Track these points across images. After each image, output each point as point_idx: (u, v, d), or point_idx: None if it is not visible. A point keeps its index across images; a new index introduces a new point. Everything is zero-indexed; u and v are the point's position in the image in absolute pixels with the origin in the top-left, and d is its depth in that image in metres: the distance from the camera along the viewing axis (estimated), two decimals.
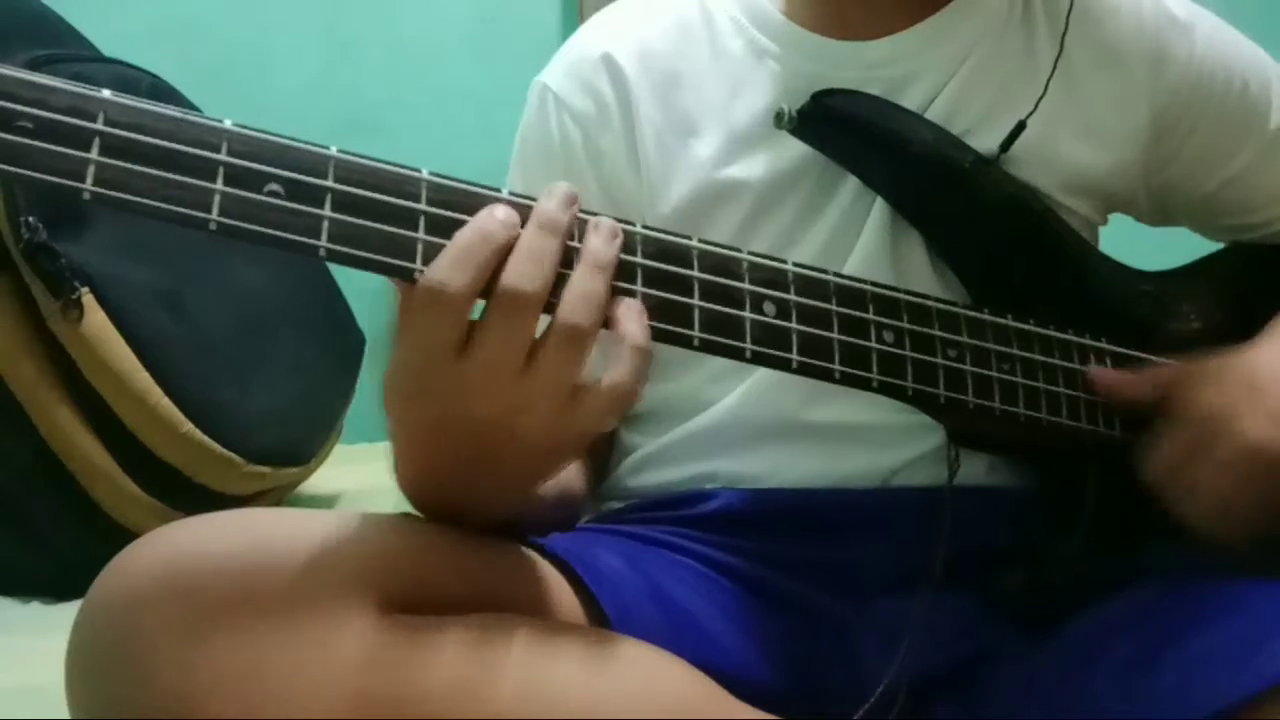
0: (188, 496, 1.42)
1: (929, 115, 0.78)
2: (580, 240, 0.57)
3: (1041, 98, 0.78)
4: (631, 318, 0.57)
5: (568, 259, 0.57)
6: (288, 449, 1.57)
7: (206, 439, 1.42)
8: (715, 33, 0.82)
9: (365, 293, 1.85)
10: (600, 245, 0.57)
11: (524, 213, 0.56)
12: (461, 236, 0.54)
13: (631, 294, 0.59)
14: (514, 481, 0.62)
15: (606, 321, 0.57)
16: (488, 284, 0.54)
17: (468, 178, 0.57)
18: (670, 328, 0.60)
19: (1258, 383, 0.71)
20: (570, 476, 0.78)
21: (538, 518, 0.70)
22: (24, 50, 1.44)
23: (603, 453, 0.85)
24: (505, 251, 0.54)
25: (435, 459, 0.60)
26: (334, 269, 1.89)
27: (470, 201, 0.56)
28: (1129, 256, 0.84)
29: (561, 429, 0.57)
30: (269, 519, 0.59)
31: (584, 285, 0.56)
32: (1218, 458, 0.69)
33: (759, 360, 0.63)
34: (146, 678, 0.52)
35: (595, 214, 0.59)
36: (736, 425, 0.78)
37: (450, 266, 0.53)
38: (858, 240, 0.77)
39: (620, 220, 0.60)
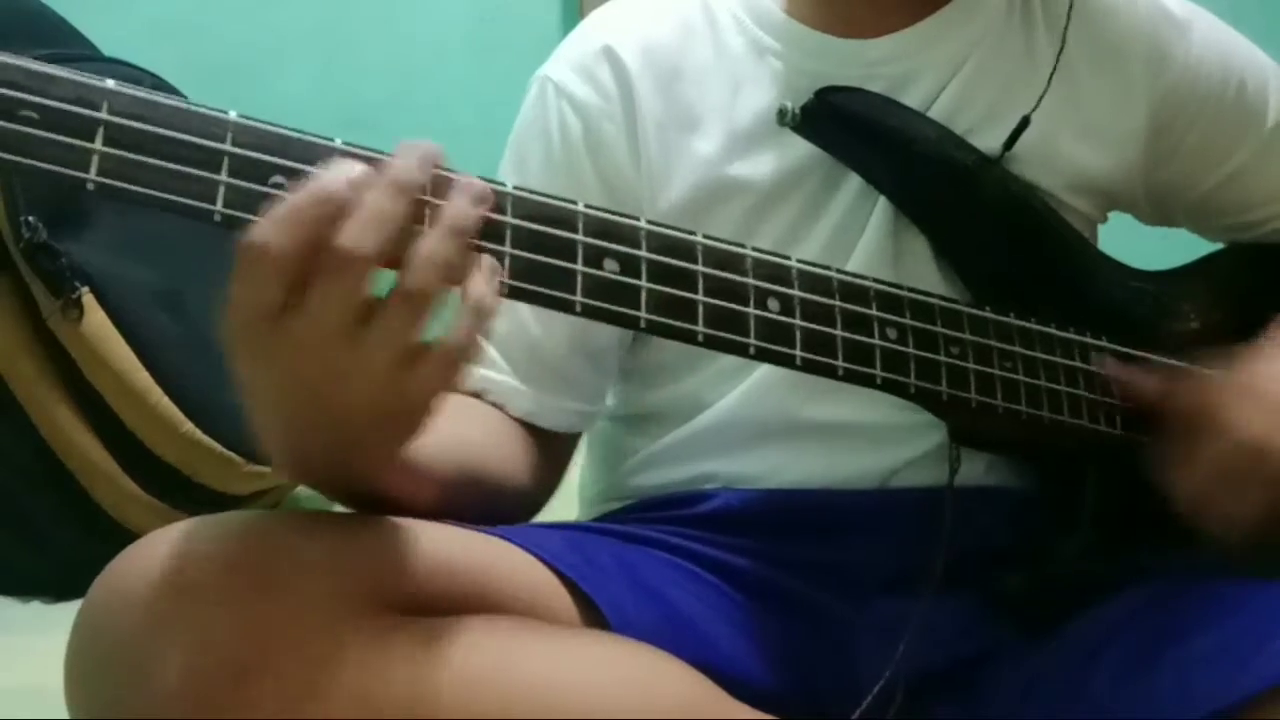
0: (187, 496, 1.42)
1: (931, 114, 0.78)
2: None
3: (1044, 93, 0.78)
4: (480, 276, 0.54)
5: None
6: None
7: (206, 438, 1.42)
8: (717, 30, 0.82)
9: None
10: (462, 207, 0.54)
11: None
12: (298, 195, 0.51)
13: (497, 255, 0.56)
14: (358, 448, 0.57)
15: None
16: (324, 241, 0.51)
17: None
18: (675, 323, 0.60)
19: (1247, 378, 0.71)
20: (488, 459, 0.73)
21: (418, 496, 0.64)
22: (24, 50, 1.44)
23: (562, 450, 0.82)
24: (345, 210, 0.51)
25: (272, 420, 0.57)
26: None
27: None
28: (1129, 256, 0.84)
29: (396, 394, 0.53)
30: (269, 520, 0.59)
31: (432, 248, 0.52)
32: (1257, 482, 0.68)
33: (763, 356, 0.63)
34: (146, 679, 0.52)
35: (465, 175, 0.55)
36: (736, 426, 0.78)
37: (276, 226, 0.50)
38: (860, 238, 0.77)
39: (625, 215, 0.59)
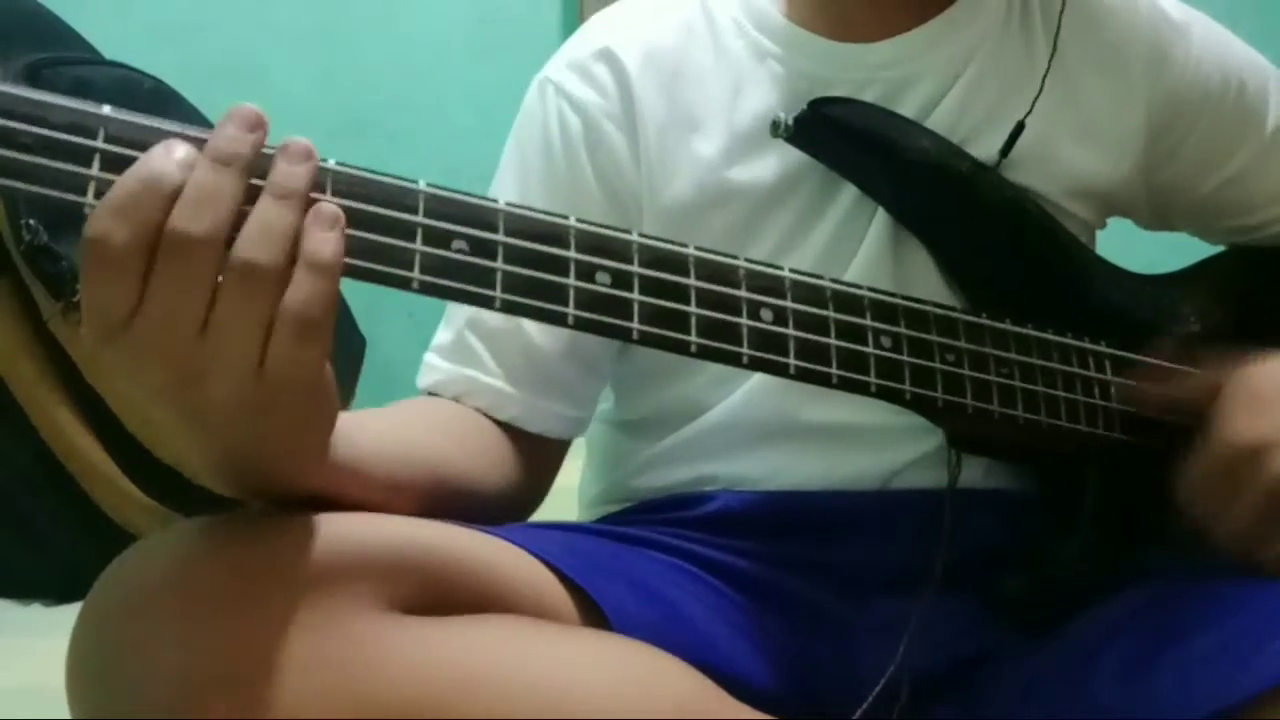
0: (187, 498, 1.42)
1: (934, 119, 0.78)
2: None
3: (1038, 97, 0.78)
4: (316, 228, 0.50)
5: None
6: None
7: None
8: (717, 33, 0.82)
9: (365, 296, 1.85)
10: (286, 169, 0.50)
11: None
12: (124, 180, 0.48)
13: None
14: (262, 449, 0.54)
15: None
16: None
17: (468, 178, 0.57)
18: (668, 334, 0.60)
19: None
20: (449, 460, 0.70)
21: (363, 496, 0.60)
22: (25, 52, 1.44)
23: (550, 455, 0.81)
24: (176, 194, 0.48)
25: (165, 438, 0.54)
26: None
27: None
28: (1128, 260, 0.84)
29: (260, 379, 0.50)
30: (270, 521, 0.59)
31: (262, 216, 0.49)
32: (1257, 488, 0.68)
33: (756, 366, 0.63)
34: (147, 680, 0.52)
35: (292, 139, 0.52)
36: (736, 428, 0.78)
37: (110, 215, 0.47)
38: (860, 246, 0.77)
39: (615, 229, 0.60)
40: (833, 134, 0.77)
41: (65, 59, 1.51)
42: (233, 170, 0.49)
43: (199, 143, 0.50)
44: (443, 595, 0.59)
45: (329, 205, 0.51)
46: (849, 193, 0.78)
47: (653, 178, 0.79)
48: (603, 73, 0.80)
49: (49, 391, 1.37)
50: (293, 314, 0.49)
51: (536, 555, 0.65)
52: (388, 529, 0.60)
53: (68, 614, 0.56)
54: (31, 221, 1.32)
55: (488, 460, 0.75)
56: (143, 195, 0.47)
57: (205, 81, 1.71)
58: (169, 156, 0.48)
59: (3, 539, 1.42)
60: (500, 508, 0.74)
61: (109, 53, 1.65)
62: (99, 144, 0.50)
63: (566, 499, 0.89)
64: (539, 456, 0.79)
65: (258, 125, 0.50)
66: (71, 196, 0.49)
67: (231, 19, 2.22)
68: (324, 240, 0.50)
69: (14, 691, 1.04)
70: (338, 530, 0.58)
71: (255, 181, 0.50)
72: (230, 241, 0.49)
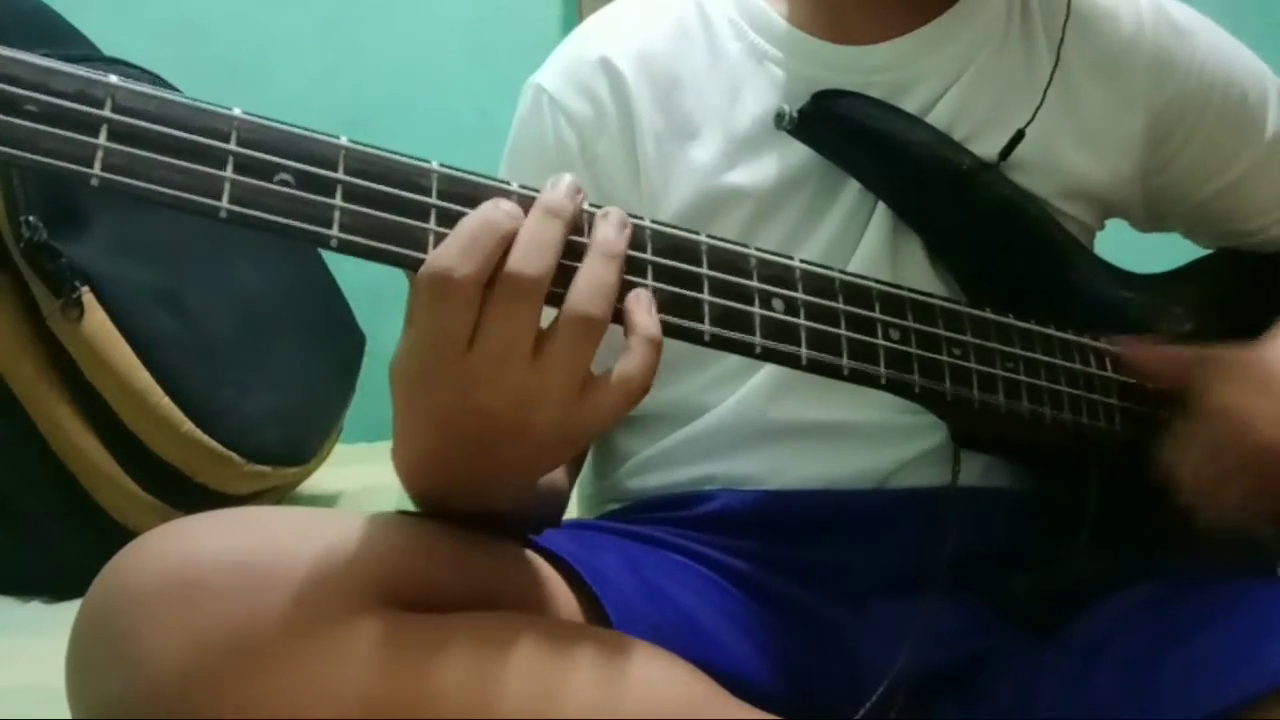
0: (188, 496, 1.42)
1: (930, 121, 0.78)
2: (589, 233, 0.57)
3: (1039, 107, 0.78)
4: (642, 308, 0.57)
5: (577, 253, 0.56)
6: (288, 448, 1.57)
7: (207, 438, 1.42)
8: (714, 35, 0.81)
9: (365, 293, 1.85)
10: (611, 234, 0.57)
11: (528, 204, 0.56)
12: (466, 224, 0.54)
13: (642, 287, 0.59)
14: (514, 474, 0.61)
15: (616, 314, 0.57)
16: (494, 273, 0.54)
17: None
18: (682, 322, 0.60)
19: (1264, 377, 0.71)
20: (558, 473, 0.77)
21: (527, 512, 0.69)
22: (25, 49, 1.44)
23: (583, 451, 0.84)
24: (510, 240, 0.54)
25: (437, 447, 0.59)
26: (334, 268, 1.89)
27: (478, 194, 0.56)
28: (1126, 260, 0.84)
29: (570, 423, 0.56)
30: (272, 517, 0.59)
31: (594, 274, 0.55)
32: (1233, 457, 0.69)
33: (769, 356, 0.63)
34: (147, 677, 0.52)
35: (603, 207, 0.58)
36: (735, 428, 0.78)
37: (457, 253, 0.53)
38: (859, 243, 0.77)
39: (630, 215, 0.60)
40: (835, 127, 0.77)
41: (64, 56, 1.51)
42: (561, 223, 0.55)
43: (521, 199, 0.56)
44: (446, 591, 0.59)
45: (646, 293, 0.58)
46: (848, 193, 0.78)
47: (651, 189, 0.79)
48: (601, 86, 0.80)
49: (49, 389, 1.37)
50: (631, 376, 0.56)
51: (539, 552, 0.65)
52: (389, 525, 0.60)
53: (68, 611, 0.56)
54: (31, 219, 1.32)
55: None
56: (484, 236, 0.53)
57: (205, 80, 1.70)
58: (499, 207, 0.55)
59: (2, 536, 1.42)
60: (562, 507, 0.79)
61: (109, 51, 1.65)
62: (108, 111, 0.50)
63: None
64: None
65: (580, 192, 0.57)
66: (75, 167, 0.49)
67: (231, 18, 2.22)
68: (651, 319, 0.57)
69: (14, 690, 1.04)
70: (339, 526, 0.58)
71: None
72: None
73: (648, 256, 0.60)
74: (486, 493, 0.62)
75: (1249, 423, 0.69)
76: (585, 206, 0.57)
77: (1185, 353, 0.75)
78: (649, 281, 0.59)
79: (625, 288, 0.57)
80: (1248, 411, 0.69)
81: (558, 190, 0.56)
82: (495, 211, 0.54)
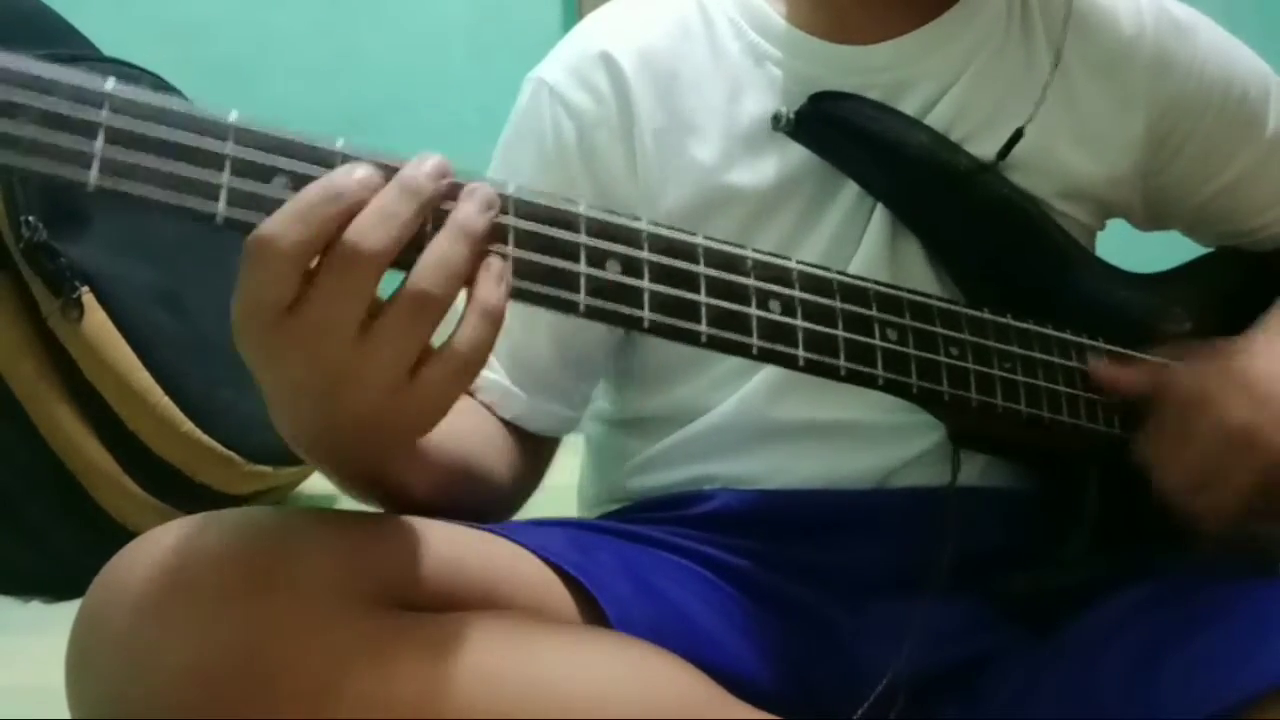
0: (188, 496, 1.42)
1: (930, 121, 0.78)
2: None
3: (1039, 106, 0.78)
4: (490, 278, 0.54)
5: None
6: (288, 448, 1.57)
7: (207, 438, 1.42)
8: (714, 35, 0.81)
9: None
10: (471, 211, 0.53)
11: (390, 176, 0.53)
12: (308, 190, 0.51)
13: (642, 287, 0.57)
14: (367, 442, 0.58)
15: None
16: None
17: (467, 177, 0.56)
18: (678, 323, 0.60)
19: (1237, 368, 0.72)
20: (477, 454, 0.73)
21: (419, 483, 0.65)
22: (24, 49, 1.44)
23: (545, 452, 0.82)
24: (356, 210, 0.51)
25: (282, 415, 0.57)
26: None
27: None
28: (1126, 260, 0.84)
29: (394, 409, 0.53)
30: (268, 517, 0.59)
31: (441, 250, 0.52)
32: (1243, 469, 0.69)
33: (765, 357, 0.62)
34: (146, 675, 0.52)
35: (473, 182, 0.55)
36: (734, 429, 0.78)
37: (286, 219, 0.50)
38: (859, 245, 0.77)
39: (624, 215, 0.59)
40: (833, 128, 0.77)
41: (64, 56, 1.50)
42: (415, 201, 0.52)
43: (385, 169, 0.52)
44: (446, 592, 0.59)
45: (498, 261, 0.54)
46: (847, 193, 0.78)
47: (650, 186, 0.79)
48: (601, 79, 0.80)
49: (49, 389, 1.37)
50: (460, 352, 0.53)
51: (537, 552, 0.65)
52: (389, 525, 0.60)
53: (68, 611, 0.56)
54: (31, 219, 1.32)
55: (497, 453, 0.76)
56: (321, 204, 0.50)
57: (205, 80, 1.71)
58: (351, 175, 0.51)
59: (2, 536, 1.42)
60: (501, 500, 0.75)
61: (109, 50, 1.65)
62: (104, 117, 0.49)
63: (566, 497, 0.89)
64: (534, 454, 0.80)
65: (446, 174, 0.53)
66: (73, 175, 0.49)
67: (231, 18, 2.22)
68: (495, 292, 0.53)
69: (14, 690, 1.04)
70: (340, 526, 0.58)
71: None
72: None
73: (646, 256, 0.59)
74: (351, 464, 0.61)
75: (1211, 407, 0.70)
76: (454, 183, 0.54)
77: (1151, 361, 0.76)
78: (647, 283, 0.59)
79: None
80: (1210, 397, 0.70)
81: (420, 167, 0.53)
82: (345, 179, 0.51)
